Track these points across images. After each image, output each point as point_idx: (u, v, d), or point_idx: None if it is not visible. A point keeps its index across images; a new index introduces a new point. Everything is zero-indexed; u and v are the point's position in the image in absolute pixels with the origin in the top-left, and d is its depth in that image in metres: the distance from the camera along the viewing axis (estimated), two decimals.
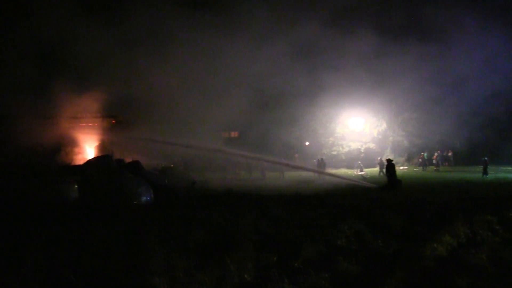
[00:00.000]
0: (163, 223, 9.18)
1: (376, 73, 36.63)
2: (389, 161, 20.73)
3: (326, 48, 36.02)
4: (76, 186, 13.48)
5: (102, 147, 24.38)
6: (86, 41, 27.77)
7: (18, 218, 9.84)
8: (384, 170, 22.97)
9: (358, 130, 42.21)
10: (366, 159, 38.53)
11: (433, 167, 34.88)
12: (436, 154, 36.35)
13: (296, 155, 40.96)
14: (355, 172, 34.14)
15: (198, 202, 13.56)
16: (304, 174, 31.51)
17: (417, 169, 35.89)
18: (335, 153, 42.23)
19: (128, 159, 20.62)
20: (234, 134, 42.76)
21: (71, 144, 23.03)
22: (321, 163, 31.93)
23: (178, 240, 7.39)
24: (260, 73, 30.62)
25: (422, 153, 37.19)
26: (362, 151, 41.21)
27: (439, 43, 36.92)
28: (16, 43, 26.61)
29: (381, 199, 14.46)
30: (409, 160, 40.83)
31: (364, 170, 34.45)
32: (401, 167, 32.64)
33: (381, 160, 32.53)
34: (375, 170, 33.30)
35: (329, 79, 35.91)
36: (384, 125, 41.81)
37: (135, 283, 5.49)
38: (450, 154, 38.96)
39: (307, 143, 44.18)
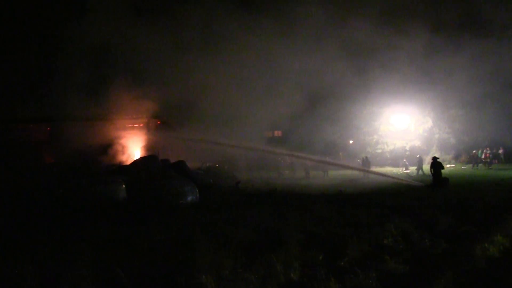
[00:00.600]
0: (209, 222, 9.30)
1: (423, 71, 35.58)
2: (434, 159, 20.14)
3: (373, 45, 35.36)
4: (124, 186, 13.78)
5: (148, 147, 24.97)
6: (134, 43, 28.42)
7: (70, 217, 10.21)
8: (428, 168, 22.32)
9: (403, 128, 41.24)
10: (411, 157, 37.58)
11: (484, 165, 33.59)
12: (488, 151, 34.96)
13: (340, 153, 40.46)
14: (401, 170, 33.42)
15: (243, 201, 13.64)
16: (348, 172, 31.12)
17: (465, 167, 34.72)
18: (379, 151, 41.44)
19: (173, 159, 21.01)
20: (277, 133, 42.73)
21: (119, 144, 23.66)
22: (366, 162, 31.46)
23: (224, 239, 7.48)
24: (305, 72, 30.43)
25: (475, 151, 35.89)
26: (407, 149, 40.22)
27: (492, 39, 35.33)
28: (69, 47, 27.60)
29: (428, 197, 14.10)
30: (456, 158, 39.54)
31: (410, 168, 33.65)
32: (448, 165, 31.66)
33: (420, 157, 31.72)
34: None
35: (374, 76, 35.29)
36: (430, 123, 40.65)
37: (183, 281, 5.61)
38: (500, 151, 37.38)
39: (351, 142, 43.59)
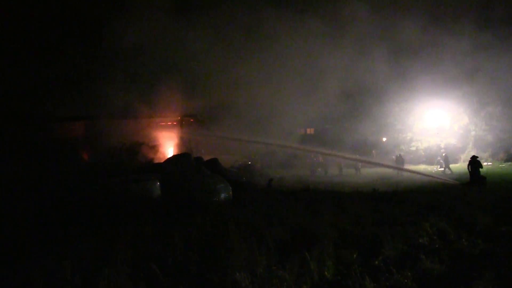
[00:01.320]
0: (242, 219, 9.32)
1: (459, 66, 34.59)
2: (473, 157, 19.69)
3: (412, 42, 34.62)
4: (158, 184, 13.95)
5: (181, 145, 25.24)
6: (170, 41, 28.67)
7: (106, 214, 10.41)
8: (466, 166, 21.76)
9: (437, 125, 40.27)
10: (446, 155, 36.70)
11: None
12: None
13: (373, 151, 39.91)
14: (435, 168, 32.69)
15: (276, 199, 13.63)
16: (381, 170, 30.73)
17: (503, 165, 33.64)
18: (413, 148, 40.59)
19: (206, 157, 21.16)
20: (310, 131, 42.49)
21: (152, 142, 23.99)
22: (400, 159, 30.96)
23: (258, 237, 7.49)
24: (342, 69, 30.08)
25: None
26: (442, 146, 39.24)
27: None
28: (106, 45, 28.12)
29: (465, 196, 13.74)
30: (493, 156, 38.33)
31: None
32: (485, 163, 30.81)
33: (445, 156, 30.97)
34: (457, 166, 31.73)
35: (409, 72, 34.61)
36: (466, 119, 39.54)
37: (217, 278, 5.66)
38: None
39: (384, 139, 42.90)
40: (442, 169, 31.23)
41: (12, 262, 6.00)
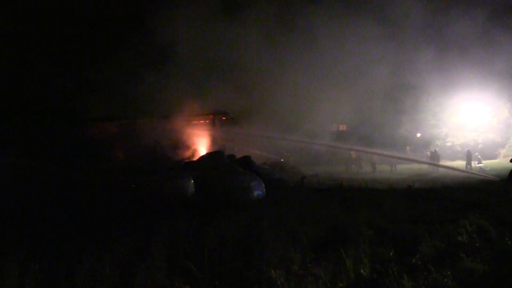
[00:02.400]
0: (276, 217, 9.29)
1: (499, 57, 33.40)
2: None
3: (450, 35, 33.76)
4: (192, 181, 14.07)
5: (214, 143, 25.42)
6: (199, 41, 28.91)
7: (143, 212, 10.57)
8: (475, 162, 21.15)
9: (474, 119, 39.06)
10: (484, 150, 35.63)
11: None
12: None
13: (408, 147, 39.11)
14: (473, 164, 31.79)
15: (310, 196, 13.53)
16: (416, 166, 30.10)
17: None
18: (449, 144, 39.56)
19: (239, 154, 21.24)
20: (342, 127, 42.01)
21: (186, 141, 24.23)
22: (435, 155, 30.28)
23: (292, 234, 7.45)
24: (378, 65, 29.64)
25: None
26: (480, 141, 38.06)
27: None
28: (136, 47, 28.61)
29: (506, 193, 13.29)
30: None
31: (483, 162, 31.90)
32: None
33: (468, 151, 30.06)
34: (495, 162, 30.78)
35: (444, 66, 33.73)
36: (505, 113, 38.20)
37: (252, 275, 5.65)
38: None
39: (418, 135, 41.97)
40: (481, 164, 30.37)
41: (54, 257, 6.16)
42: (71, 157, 18.56)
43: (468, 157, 29.32)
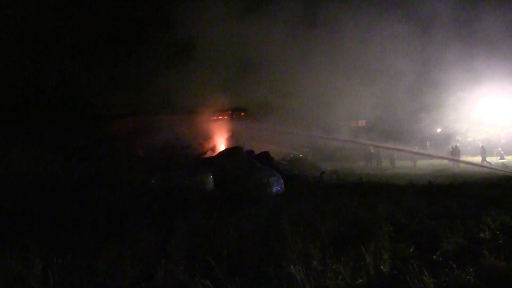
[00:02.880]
0: (295, 212, 9.27)
1: None
2: None
3: (471, 26, 33.09)
4: (211, 177, 14.13)
5: (232, 138, 25.46)
6: (220, 36, 28.89)
7: (162, 207, 10.66)
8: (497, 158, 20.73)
9: (496, 115, 38.23)
10: (508, 145, 34.89)
11: None
12: None
13: (428, 142, 38.59)
14: (495, 159, 31.20)
15: (329, 192, 13.47)
16: (436, 162, 29.71)
17: None
18: (470, 139, 38.88)
19: (257, 150, 21.22)
20: (361, 122, 41.64)
21: (204, 136, 24.31)
22: (456, 151, 29.84)
23: (312, 230, 7.43)
24: (397, 60, 29.28)
25: None
26: (503, 136, 37.30)
27: None
28: (156, 42, 28.76)
29: None
30: None
31: (506, 157, 31.28)
32: None
33: (482, 147, 29.49)
34: None
35: (466, 61, 33.10)
36: None
37: (272, 271, 5.65)
38: None
39: (439, 130, 41.34)
40: (503, 160, 29.79)
41: (76, 252, 6.26)
42: (91, 153, 18.80)
43: (483, 153, 28.84)
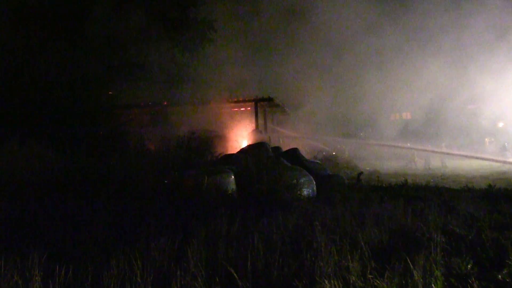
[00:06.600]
0: (329, 219, 9.15)
1: None
2: None
3: None
4: (233, 177, 14.07)
5: (256, 133, 25.39)
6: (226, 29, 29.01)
7: (178, 210, 10.67)
8: None
9: None
10: None
11: None
12: None
13: (487, 139, 37.80)
14: None
15: (368, 195, 13.30)
16: (497, 163, 29.08)
17: None
18: None
19: (285, 147, 21.12)
20: (406, 115, 41.14)
21: (225, 130, 24.31)
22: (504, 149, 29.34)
23: (349, 239, 7.30)
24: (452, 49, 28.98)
25: None
26: None
27: None
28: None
29: None
30: None
31: None
32: None
33: (504, 145, 28.74)
34: None
35: None
36: None
37: (303, 285, 5.55)
38: None
39: (501, 124, 40.36)
40: None
41: (80, 260, 6.28)
42: (97, 148, 18.98)
43: (503, 151, 28.29)
